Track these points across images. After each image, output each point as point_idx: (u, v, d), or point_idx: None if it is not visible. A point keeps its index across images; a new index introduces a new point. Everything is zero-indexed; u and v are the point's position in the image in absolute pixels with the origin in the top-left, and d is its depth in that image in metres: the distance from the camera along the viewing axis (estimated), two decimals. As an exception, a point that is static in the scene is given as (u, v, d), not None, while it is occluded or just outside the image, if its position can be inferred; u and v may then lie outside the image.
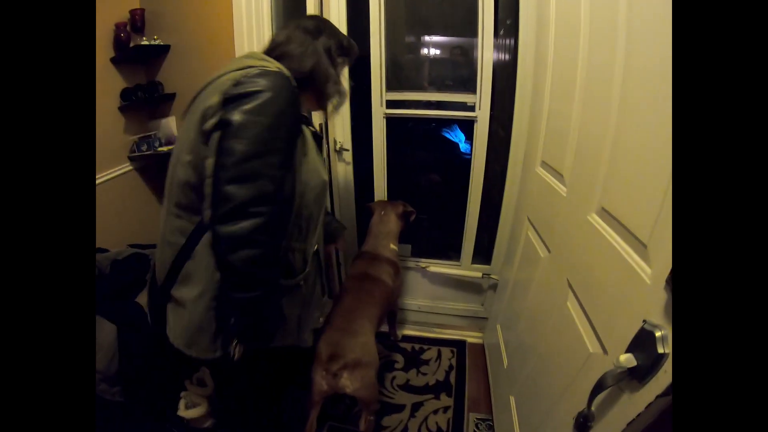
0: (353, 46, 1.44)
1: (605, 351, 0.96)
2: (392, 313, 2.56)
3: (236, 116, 1.02)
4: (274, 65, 1.16)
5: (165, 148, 2.48)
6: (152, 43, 2.34)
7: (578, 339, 1.11)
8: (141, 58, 2.47)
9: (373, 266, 2.21)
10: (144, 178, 2.65)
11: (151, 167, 2.64)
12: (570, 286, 1.23)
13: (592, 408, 0.89)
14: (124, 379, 1.81)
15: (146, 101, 2.47)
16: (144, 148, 2.48)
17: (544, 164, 1.66)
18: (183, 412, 1.94)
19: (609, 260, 0.98)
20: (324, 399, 1.83)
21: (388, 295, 2.19)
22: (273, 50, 1.28)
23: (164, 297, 1.30)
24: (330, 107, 1.43)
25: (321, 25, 1.35)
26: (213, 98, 1.06)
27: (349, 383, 1.73)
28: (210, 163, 1.05)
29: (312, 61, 1.28)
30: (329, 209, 2.24)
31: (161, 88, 2.50)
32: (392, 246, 2.34)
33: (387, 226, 2.35)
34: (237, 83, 1.06)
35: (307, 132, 1.27)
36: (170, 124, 2.59)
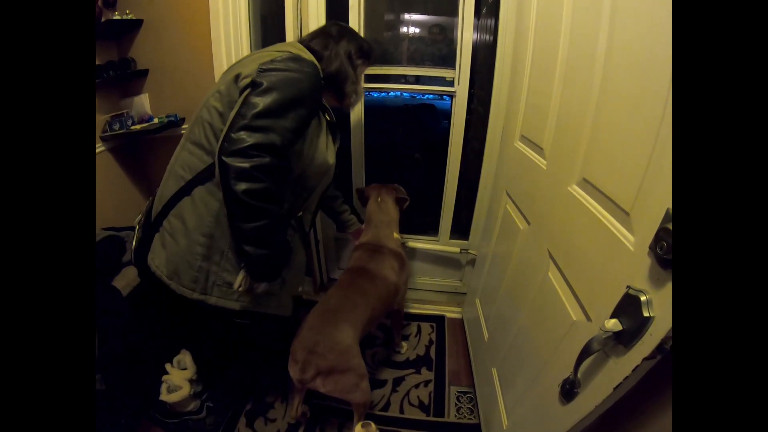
0: (372, 50, 1.64)
1: (589, 318, 0.97)
2: (397, 314, 2.28)
3: (266, 80, 1.21)
4: (308, 55, 1.38)
5: (138, 127, 2.40)
6: (125, 17, 2.26)
7: (561, 308, 1.13)
8: (113, 33, 2.38)
9: (374, 260, 2.00)
10: (117, 159, 2.57)
11: (125, 147, 2.57)
12: (551, 256, 1.25)
13: (579, 374, 0.90)
14: (104, 366, 1.76)
15: (118, 78, 2.39)
16: (116, 127, 2.40)
17: (524, 138, 1.66)
18: (165, 397, 1.92)
19: (591, 230, 1.00)
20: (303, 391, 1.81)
21: (389, 294, 1.99)
22: (306, 46, 1.47)
23: (154, 228, 1.47)
24: (346, 104, 1.62)
25: (343, 30, 1.56)
26: (251, 66, 1.26)
27: (322, 387, 1.65)
28: (234, 111, 1.20)
29: (336, 63, 1.49)
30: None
31: (134, 65, 2.42)
32: (395, 235, 2.14)
33: (387, 213, 2.15)
34: (273, 60, 1.26)
35: (323, 119, 1.50)
36: (143, 101, 2.51)
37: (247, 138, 1.15)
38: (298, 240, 1.65)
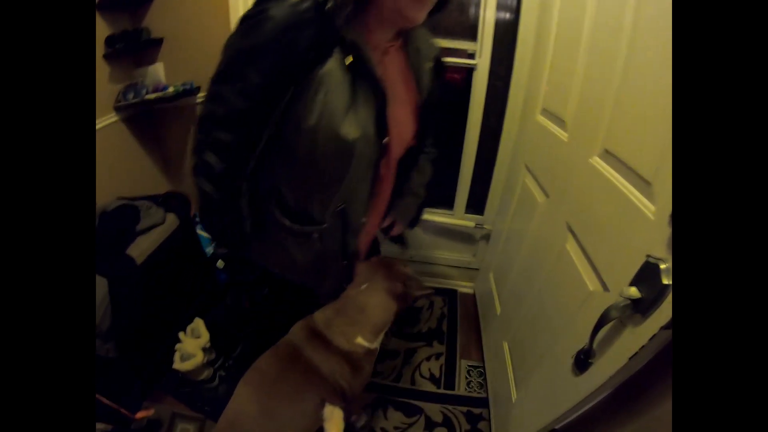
0: None
1: (606, 288, 0.97)
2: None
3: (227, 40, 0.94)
4: None
5: (153, 96, 2.38)
6: (139, -16, 2.22)
7: (577, 279, 1.13)
8: (127, 3, 2.33)
9: (311, 345, 1.27)
10: (131, 129, 2.54)
11: (139, 117, 2.56)
12: (570, 228, 1.25)
13: (594, 344, 0.90)
14: (117, 335, 1.77)
15: (132, 48, 2.34)
16: (131, 96, 2.38)
17: (545, 112, 1.65)
18: (178, 365, 1.93)
19: (611, 200, 0.99)
20: None
21: (329, 392, 1.25)
22: None
23: None
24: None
25: None
26: None
27: None
28: None
29: None
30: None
31: (148, 34, 2.38)
32: (359, 340, 1.26)
33: (368, 310, 1.29)
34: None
35: (338, 74, 0.94)
36: (158, 70, 2.48)
37: (202, 109, 1.01)
38: (339, 234, 1.25)
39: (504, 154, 2.28)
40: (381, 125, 1.04)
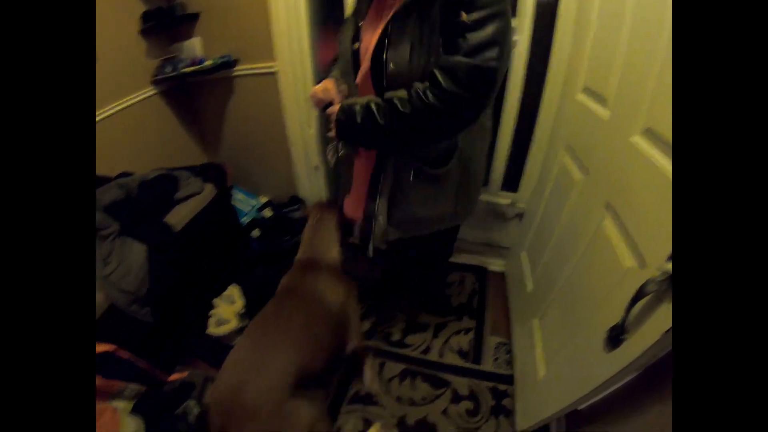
0: None
1: (643, 265, 0.98)
2: (358, 355, 1.84)
3: None
4: None
5: (190, 69, 2.43)
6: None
7: (613, 256, 1.13)
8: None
9: (307, 278, 1.60)
10: (168, 103, 2.62)
11: (176, 91, 2.61)
12: (608, 206, 1.24)
13: (628, 320, 0.90)
14: (154, 300, 1.82)
15: (168, 24, 2.39)
16: (168, 70, 2.44)
17: (587, 90, 1.63)
18: (213, 329, 1.99)
19: (652, 177, 0.99)
20: None
21: (333, 321, 1.56)
22: None
23: None
24: None
25: None
26: None
27: None
28: None
29: None
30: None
31: (183, 9, 2.40)
32: (334, 253, 1.73)
33: (325, 237, 1.75)
34: None
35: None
36: (194, 44, 2.52)
37: None
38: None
39: (542, 132, 2.25)
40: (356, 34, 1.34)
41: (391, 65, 1.17)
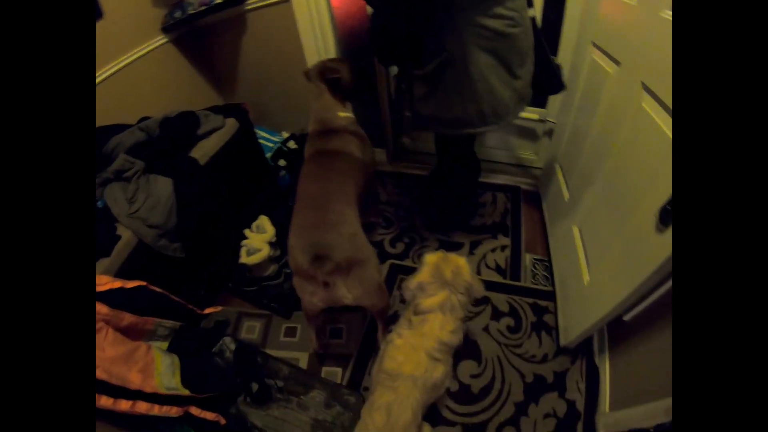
0: None
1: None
2: (372, 196, 2.08)
3: None
4: None
5: (200, 8, 2.34)
6: None
7: (658, 132, 1.10)
8: None
9: (330, 140, 1.75)
10: (180, 50, 2.55)
11: (186, 37, 2.54)
12: (645, 87, 1.21)
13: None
14: (184, 234, 1.81)
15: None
16: (177, 14, 2.36)
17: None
18: (245, 259, 1.99)
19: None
20: (322, 313, 1.61)
21: (360, 170, 1.75)
22: None
23: None
24: None
25: None
26: None
27: (346, 292, 1.39)
28: None
29: None
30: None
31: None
32: (341, 114, 1.84)
33: (319, 97, 1.86)
34: None
35: None
36: (202, -15, 2.41)
37: None
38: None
39: (568, 36, 2.13)
40: None
41: None
